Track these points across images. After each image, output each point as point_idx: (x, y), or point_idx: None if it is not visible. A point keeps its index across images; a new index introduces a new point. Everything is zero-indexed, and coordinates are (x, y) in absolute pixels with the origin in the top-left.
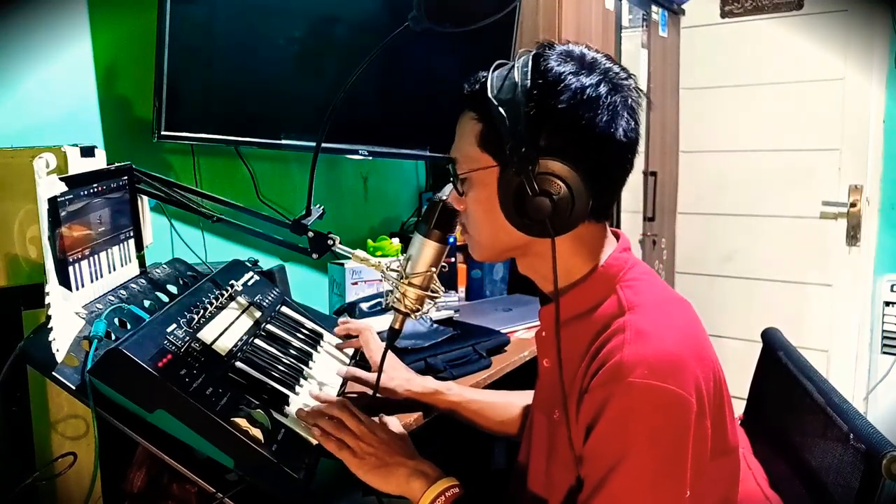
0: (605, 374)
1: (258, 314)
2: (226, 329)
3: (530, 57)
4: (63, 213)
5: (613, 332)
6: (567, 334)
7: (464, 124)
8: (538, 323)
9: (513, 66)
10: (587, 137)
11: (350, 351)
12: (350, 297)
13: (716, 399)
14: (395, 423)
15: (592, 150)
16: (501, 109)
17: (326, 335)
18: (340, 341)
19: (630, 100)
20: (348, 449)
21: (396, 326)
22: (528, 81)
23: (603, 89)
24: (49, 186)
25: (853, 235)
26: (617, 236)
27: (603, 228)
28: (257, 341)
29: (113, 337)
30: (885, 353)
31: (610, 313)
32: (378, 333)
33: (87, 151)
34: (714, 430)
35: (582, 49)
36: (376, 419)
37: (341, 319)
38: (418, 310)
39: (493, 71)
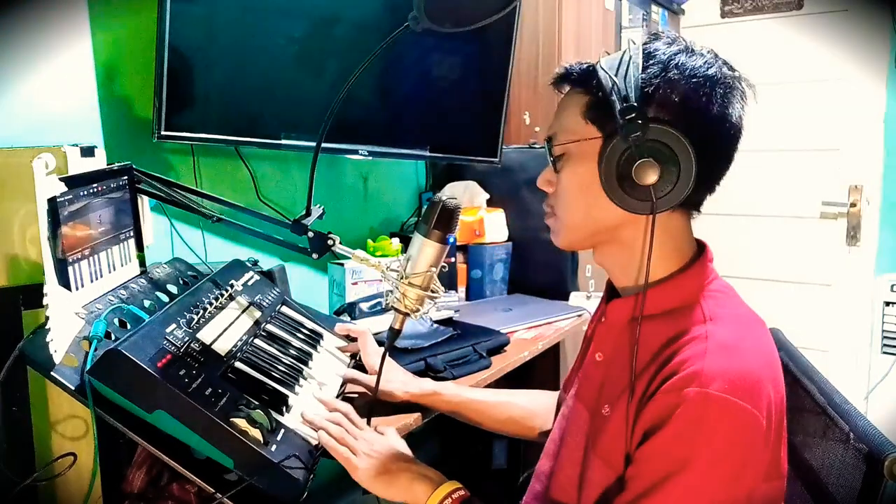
0: (681, 380)
1: (258, 314)
2: (226, 329)
3: (639, 44)
4: (63, 213)
5: (692, 340)
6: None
7: (567, 101)
8: (538, 322)
9: (621, 52)
10: (702, 115)
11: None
12: (350, 297)
13: (779, 424)
14: (391, 431)
15: (705, 128)
16: (614, 77)
17: (326, 335)
18: (340, 341)
19: (742, 87)
20: (352, 455)
21: (396, 326)
22: (640, 60)
23: (715, 70)
24: (49, 186)
25: (853, 235)
26: (702, 246)
27: (689, 228)
28: (257, 341)
29: (112, 337)
30: (885, 353)
31: (690, 320)
32: (378, 333)
33: (87, 151)
34: (772, 454)
35: (685, 40)
36: (372, 427)
37: (338, 324)
38: (418, 310)
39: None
